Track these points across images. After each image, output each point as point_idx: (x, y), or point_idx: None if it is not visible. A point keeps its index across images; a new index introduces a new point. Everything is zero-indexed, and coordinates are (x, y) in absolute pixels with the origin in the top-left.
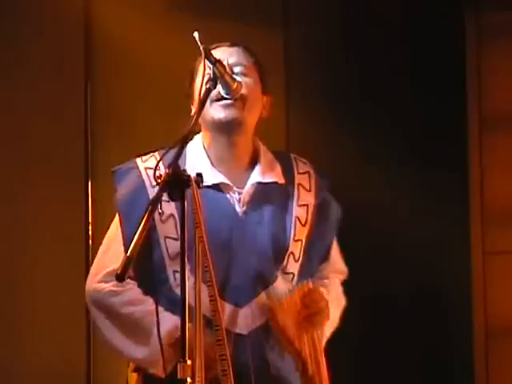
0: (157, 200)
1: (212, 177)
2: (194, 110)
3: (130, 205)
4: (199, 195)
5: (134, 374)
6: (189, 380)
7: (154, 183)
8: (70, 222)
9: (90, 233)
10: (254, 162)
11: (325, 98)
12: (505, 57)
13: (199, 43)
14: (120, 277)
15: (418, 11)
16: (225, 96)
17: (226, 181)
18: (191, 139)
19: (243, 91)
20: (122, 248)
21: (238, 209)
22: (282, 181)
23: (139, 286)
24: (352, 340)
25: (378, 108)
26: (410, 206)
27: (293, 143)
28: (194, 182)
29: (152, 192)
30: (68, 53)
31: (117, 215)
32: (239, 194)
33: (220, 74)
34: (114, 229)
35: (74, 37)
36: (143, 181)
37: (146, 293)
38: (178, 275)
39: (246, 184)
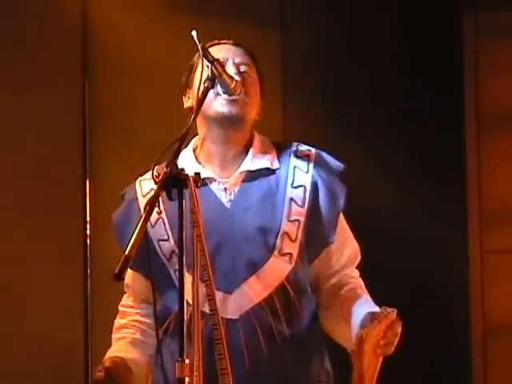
0: (154, 200)
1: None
2: (186, 102)
3: (122, 217)
4: (197, 195)
5: None
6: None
7: (145, 192)
8: (69, 221)
9: (88, 232)
10: (247, 152)
11: (322, 98)
12: (502, 55)
13: (197, 42)
14: (118, 276)
15: (415, 10)
16: (223, 95)
17: (210, 174)
18: (187, 145)
19: (247, 89)
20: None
21: (224, 199)
22: (275, 166)
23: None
24: None
25: (375, 107)
26: (407, 205)
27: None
28: (192, 182)
29: (143, 202)
30: (66, 53)
31: None
32: (224, 184)
33: (218, 73)
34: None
35: (72, 37)
36: (135, 193)
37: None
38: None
39: (234, 171)
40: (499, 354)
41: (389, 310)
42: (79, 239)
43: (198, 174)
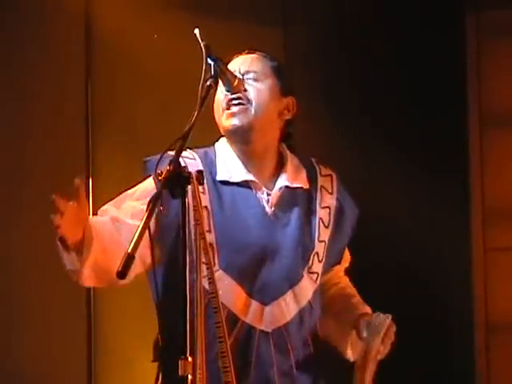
0: (157, 197)
1: (244, 174)
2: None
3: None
4: (200, 193)
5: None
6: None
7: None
8: None
9: None
10: (280, 166)
11: (324, 99)
12: (505, 55)
13: (200, 40)
14: (121, 274)
15: (417, 10)
16: (226, 93)
17: (252, 178)
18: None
19: (250, 96)
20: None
21: (267, 209)
22: (306, 186)
23: (166, 273)
24: None
25: (378, 108)
26: (411, 204)
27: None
28: (194, 179)
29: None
30: (68, 52)
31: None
32: (268, 194)
33: (221, 71)
34: (149, 186)
35: (75, 36)
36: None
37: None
38: (203, 266)
39: (273, 186)
40: (502, 352)
41: (383, 316)
42: None
43: (200, 172)
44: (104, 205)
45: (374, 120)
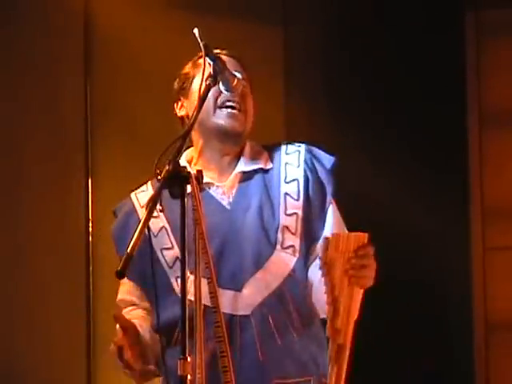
0: (156, 197)
1: None
2: (179, 111)
3: (121, 229)
4: (199, 192)
5: None
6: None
7: (143, 203)
8: (71, 219)
9: (91, 229)
10: (240, 157)
11: (324, 98)
12: (505, 55)
13: (199, 39)
14: (120, 273)
15: (417, 10)
16: (224, 92)
17: (208, 179)
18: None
19: (245, 105)
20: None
21: (224, 202)
22: (267, 166)
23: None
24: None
25: (378, 106)
26: (410, 203)
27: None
28: (193, 179)
29: (142, 212)
30: (67, 51)
31: None
32: (222, 187)
33: (220, 70)
34: None
35: (74, 35)
36: (133, 204)
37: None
38: (180, 280)
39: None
40: (502, 350)
41: (360, 233)
42: (82, 237)
43: (200, 172)
44: (103, 205)
45: (374, 119)
